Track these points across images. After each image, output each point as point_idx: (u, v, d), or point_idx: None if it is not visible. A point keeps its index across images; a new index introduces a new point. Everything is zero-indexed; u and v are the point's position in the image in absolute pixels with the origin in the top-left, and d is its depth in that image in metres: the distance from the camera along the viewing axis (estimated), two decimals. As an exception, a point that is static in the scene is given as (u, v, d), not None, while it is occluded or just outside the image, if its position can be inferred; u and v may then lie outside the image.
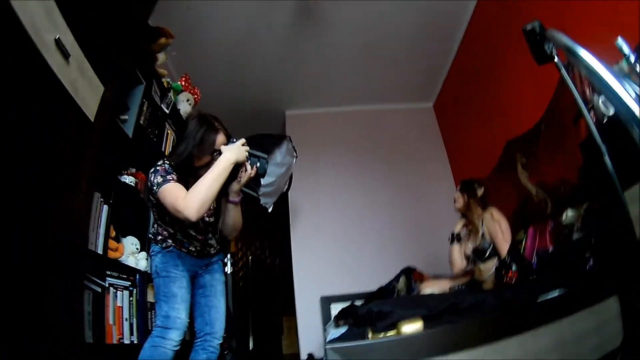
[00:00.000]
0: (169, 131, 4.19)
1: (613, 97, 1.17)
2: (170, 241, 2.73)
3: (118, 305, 2.93)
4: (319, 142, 6.42)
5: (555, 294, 2.33)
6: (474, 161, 5.56)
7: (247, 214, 3.12)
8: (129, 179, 3.38)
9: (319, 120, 6.73)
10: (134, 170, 3.52)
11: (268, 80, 5.98)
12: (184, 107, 4.48)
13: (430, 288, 3.72)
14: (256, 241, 9.02)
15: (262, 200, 3.70)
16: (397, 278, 4.60)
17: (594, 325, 2.26)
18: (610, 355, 2.19)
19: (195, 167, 2.60)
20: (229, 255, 6.63)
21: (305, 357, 4.95)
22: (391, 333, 2.04)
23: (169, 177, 2.45)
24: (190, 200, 2.31)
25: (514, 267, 3.13)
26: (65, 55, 2.21)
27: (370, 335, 2.02)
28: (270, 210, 4.18)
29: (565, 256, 2.88)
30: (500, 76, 4.68)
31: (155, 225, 2.79)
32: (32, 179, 1.99)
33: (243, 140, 2.60)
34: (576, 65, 1.36)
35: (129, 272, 3.15)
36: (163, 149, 3.97)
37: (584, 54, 1.32)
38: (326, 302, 5.26)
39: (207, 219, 2.77)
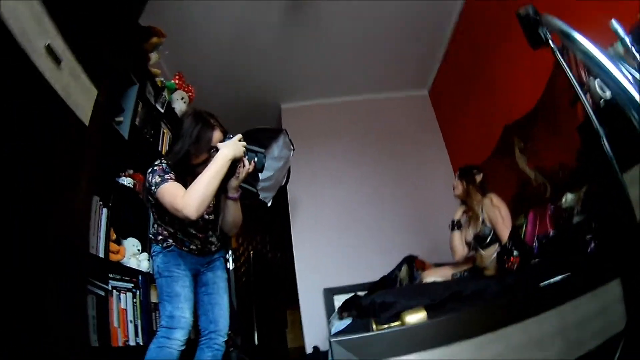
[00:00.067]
0: (164, 130, 4.17)
1: (610, 81, 1.16)
2: (170, 240, 2.73)
3: (122, 307, 2.94)
4: (315, 134, 6.42)
5: (557, 278, 2.33)
6: (471, 147, 5.55)
7: (247, 208, 3.12)
8: (127, 181, 3.38)
9: (315, 112, 6.73)
10: (131, 171, 3.52)
11: (262, 74, 5.97)
12: (179, 105, 4.47)
13: (432, 276, 3.73)
14: (257, 236, 9.02)
15: (261, 195, 3.70)
16: (399, 267, 4.61)
17: (596, 309, 2.26)
18: (614, 339, 2.19)
19: (193, 165, 2.58)
20: (230, 252, 6.61)
21: (311, 350, 4.96)
22: (395, 324, 2.03)
23: (166, 176, 2.43)
24: (189, 198, 2.30)
25: (515, 253, 3.14)
26: (57, 60, 2.20)
27: (374, 326, 2.02)
28: (269, 204, 4.18)
29: (566, 240, 2.88)
30: (495, 61, 4.67)
31: (155, 225, 2.79)
32: (28, 185, 1.98)
33: (240, 136, 2.58)
34: (572, 50, 1.36)
35: (131, 273, 3.15)
36: (160, 149, 3.97)
37: (580, 38, 1.31)
38: (329, 293, 5.27)
39: (206, 216, 2.77)
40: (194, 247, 2.79)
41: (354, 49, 5.69)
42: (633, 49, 1.70)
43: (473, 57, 5.19)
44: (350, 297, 4.07)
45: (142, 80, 3.71)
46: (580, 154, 3.15)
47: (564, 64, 1.61)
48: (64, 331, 2.15)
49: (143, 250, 3.39)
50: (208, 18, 4.74)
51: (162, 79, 4.23)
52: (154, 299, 3.25)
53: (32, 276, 1.93)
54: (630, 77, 1.13)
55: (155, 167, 2.50)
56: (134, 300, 3.09)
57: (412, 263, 4.56)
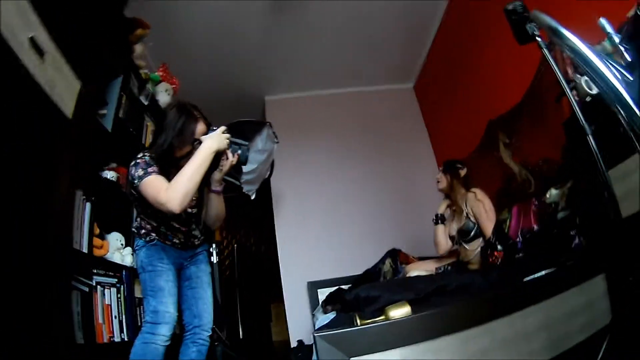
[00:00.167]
0: (148, 123, 4.14)
1: (598, 78, 1.16)
2: (154, 234, 2.71)
3: (106, 303, 2.92)
4: (299, 127, 6.40)
5: (542, 273, 2.34)
6: (456, 141, 5.56)
7: (230, 201, 3.11)
8: (110, 174, 3.34)
9: (299, 105, 6.71)
10: (114, 165, 3.47)
11: (246, 67, 5.93)
12: (163, 97, 4.42)
13: (416, 270, 3.74)
14: (241, 229, 8.99)
15: (245, 188, 3.69)
16: (382, 260, 4.62)
17: (581, 304, 2.27)
18: (600, 333, 2.20)
19: (176, 157, 2.57)
20: (214, 245, 6.60)
21: (295, 344, 4.95)
22: (380, 318, 2.02)
23: (149, 169, 2.41)
24: (172, 192, 2.29)
25: (499, 247, 3.15)
26: (40, 53, 2.17)
27: (358, 321, 2.00)
28: (253, 197, 4.16)
29: (551, 235, 2.90)
30: (481, 55, 4.68)
31: (138, 219, 2.77)
32: (9, 180, 1.95)
33: (223, 128, 2.57)
34: (560, 46, 1.36)
35: (115, 269, 3.13)
36: (143, 142, 3.94)
37: (568, 34, 1.31)
38: (313, 287, 5.26)
39: (190, 210, 2.76)
40: (177, 241, 2.78)
41: (339, 41, 5.67)
42: (621, 47, 1.71)
43: (459, 51, 5.19)
44: (334, 291, 4.07)
45: (126, 72, 3.67)
46: (566, 149, 3.17)
47: (551, 59, 1.61)
48: (49, 329, 2.12)
49: (127, 245, 3.35)
50: (192, 10, 4.70)
51: (146, 71, 4.19)
52: (138, 294, 3.23)
53: (14, 273, 1.90)
54: (618, 74, 1.13)
55: (138, 160, 2.48)
56: (118, 295, 3.07)
57: (396, 256, 4.57)
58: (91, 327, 2.67)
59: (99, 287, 2.87)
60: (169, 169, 2.52)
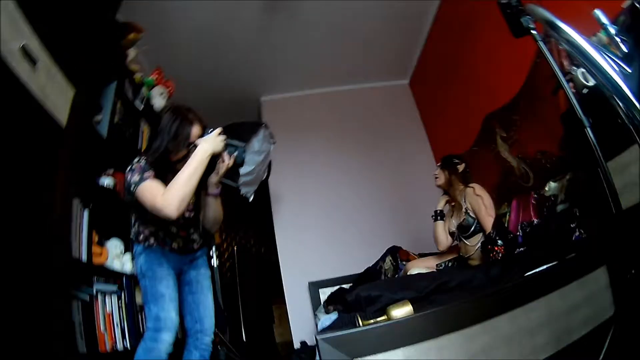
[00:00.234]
0: (144, 127, 4.12)
1: (596, 70, 1.15)
2: (152, 239, 2.69)
3: (108, 311, 2.89)
4: (296, 126, 6.36)
5: (543, 267, 2.33)
6: (453, 136, 5.54)
7: (229, 204, 3.09)
8: (107, 181, 3.31)
9: (295, 104, 6.68)
10: (111, 170, 3.44)
11: (241, 67, 5.90)
12: (158, 101, 4.40)
13: (417, 267, 3.73)
14: (240, 231, 8.97)
15: (243, 190, 3.67)
16: (382, 258, 4.60)
17: (583, 297, 2.26)
18: (603, 326, 2.20)
19: (172, 161, 2.56)
20: (214, 248, 6.57)
21: (299, 346, 4.94)
22: (381, 318, 2.02)
23: (145, 174, 2.40)
24: (169, 197, 2.29)
25: (499, 242, 3.14)
26: (32, 61, 2.15)
27: (360, 322, 2.00)
28: (251, 199, 4.15)
29: (551, 228, 2.89)
30: (476, 49, 4.67)
31: (137, 225, 2.75)
32: (5, 191, 1.93)
33: (219, 130, 2.56)
34: (557, 39, 1.34)
35: (115, 276, 3.11)
36: (139, 147, 3.92)
37: (565, 28, 1.29)
38: (314, 287, 5.25)
39: (187, 214, 2.74)
40: (176, 246, 2.76)
41: (334, 39, 5.65)
42: (617, 38, 1.69)
43: (453, 46, 5.17)
44: (335, 291, 4.08)
45: (120, 77, 3.65)
46: (564, 142, 3.15)
47: (547, 52, 1.60)
48: (51, 339, 2.11)
49: (126, 251, 3.33)
50: (185, 13, 4.68)
51: (140, 75, 4.17)
52: (139, 300, 3.20)
53: (13, 285, 1.89)
54: (615, 66, 1.12)
55: (133, 166, 2.47)
56: (119, 303, 3.04)
57: (396, 254, 4.56)
58: (93, 336, 2.64)
59: (99, 295, 2.84)
60: (166, 173, 2.51)
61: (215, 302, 2.97)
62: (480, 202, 3.39)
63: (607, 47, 1.96)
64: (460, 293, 2.35)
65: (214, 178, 2.66)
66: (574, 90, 2.42)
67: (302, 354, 4.68)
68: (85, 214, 2.86)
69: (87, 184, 3.07)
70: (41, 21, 2.25)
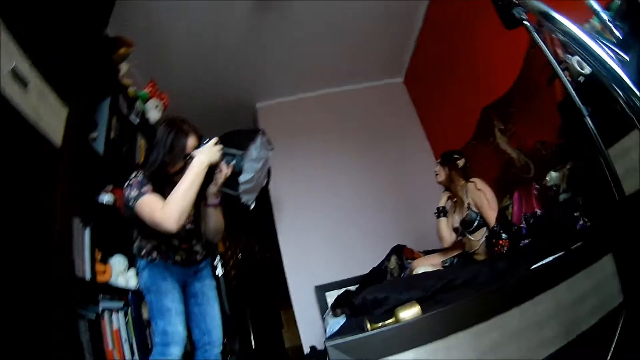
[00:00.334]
0: (141, 141, 4.10)
1: (593, 59, 1.14)
2: (155, 254, 2.67)
3: (115, 328, 2.88)
4: (293, 130, 6.34)
5: (549, 259, 2.31)
6: (451, 132, 5.53)
7: (231, 212, 3.08)
8: (107, 198, 3.29)
9: (291, 108, 6.66)
10: (110, 187, 3.42)
11: (234, 75, 5.89)
12: (154, 114, 4.39)
13: (422, 265, 3.70)
14: (244, 238, 8.97)
15: (243, 198, 3.65)
16: (387, 258, 4.58)
17: (591, 286, 2.26)
18: (612, 314, 2.19)
19: (170, 174, 2.54)
20: (218, 257, 6.57)
21: (308, 351, 4.92)
22: (389, 321, 2.00)
23: (144, 189, 2.39)
24: (168, 211, 2.27)
25: (503, 235, 3.12)
26: (23, 83, 2.13)
27: (368, 325, 1.98)
28: (252, 207, 4.13)
29: (554, 218, 2.87)
30: (468, 43, 4.65)
31: (138, 239, 2.73)
32: (3, 216, 1.91)
33: (215, 140, 2.55)
34: (552, 30, 1.33)
35: (120, 292, 3.10)
36: (137, 161, 3.90)
37: (560, 18, 1.28)
38: (321, 291, 5.23)
39: (188, 226, 2.72)
40: (179, 258, 2.74)
41: (326, 41, 5.64)
42: (610, 24, 1.68)
43: (446, 41, 5.16)
44: (342, 293, 4.05)
45: (113, 92, 3.63)
46: (562, 131, 3.14)
47: (541, 42, 1.58)
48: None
49: (130, 266, 3.31)
50: (174, 23, 4.66)
51: (134, 89, 4.15)
52: (146, 315, 3.19)
53: (19, 308, 1.87)
54: (611, 53, 1.11)
55: (131, 181, 2.46)
56: (126, 319, 3.03)
57: (401, 253, 4.53)
58: (102, 353, 2.64)
59: (106, 312, 2.83)
60: (164, 186, 2.49)
61: (223, 310, 2.96)
62: (482, 197, 3.38)
63: (601, 33, 1.95)
64: (467, 290, 2.33)
65: (212, 188, 2.64)
66: (569, 79, 2.41)
67: (312, 358, 4.67)
68: (87, 232, 2.85)
69: (87, 202, 3.05)
70: (30, 42, 2.23)
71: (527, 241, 2.98)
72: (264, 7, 4.74)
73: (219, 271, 6.40)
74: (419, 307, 1.99)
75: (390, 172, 6.12)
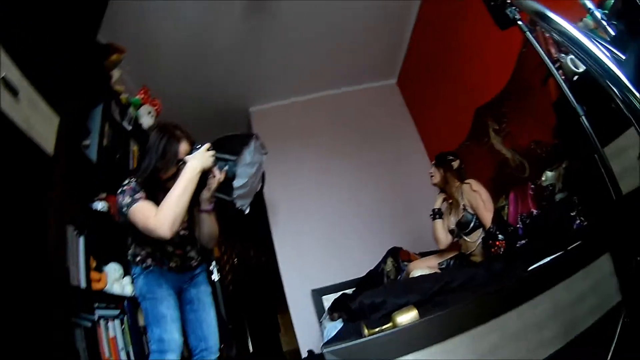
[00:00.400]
0: (134, 148, 4.09)
1: (590, 60, 1.13)
2: (149, 260, 2.66)
3: (111, 336, 2.87)
4: (287, 134, 6.33)
5: (546, 260, 2.31)
6: (445, 133, 5.53)
7: (226, 217, 3.06)
8: (100, 205, 3.27)
9: (285, 112, 6.65)
10: (104, 194, 3.41)
11: (227, 79, 5.86)
12: (146, 120, 4.37)
13: (419, 267, 3.71)
14: (239, 243, 8.95)
15: (238, 204, 3.64)
16: (384, 260, 4.57)
17: (589, 286, 2.26)
18: (611, 313, 2.18)
19: (163, 180, 2.52)
20: (213, 262, 6.55)
21: (306, 354, 4.90)
22: (387, 326, 1.99)
23: (136, 196, 2.38)
24: (161, 217, 2.26)
25: (500, 236, 3.12)
26: (14, 92, 2.11)
27: (365, 330, 1.97)
28: (247, 212, 4.12)
29: (551, 218, 2.87)
30: (461, 44, 4.65)
31: (133, 246, 2.73)
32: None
33: (207, 146, 2.54)
34: (547, 30, 1.32)
35: (116, 300, 3.08)
36: (131, 168, 3.88)
37: (556, 18, 1.27)
38: (317, 295, 5.22)
39: (182, 232, 2.71)
40: (174, 265, 2.73)
41: (319, 44, 5.63)
42: (604, 22, 1.68)
43: (438, 42, 5.16)
44: (339, 297, 4.04)
45: (106, 99, 3.61)
46: (557, 130, 3.14)
47: (534, 41, 1.57)
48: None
49: (126, 274, 3.29)
50: (166, 28, 4.65)
51: (126, 95, 4.14)
52: (142, 322, 3.17)
53: (13, 318, 1.85)
54: (607, 52, 1.10)
55: (124, 187, 2.44)
56: (122, 326, 3.02)
57: (397, 255, 4.52)
58: (99, 362, 2.63)
59: (101, 320, 2.81)
60: (157, 192, 2.47)
61: (220, 316, 2.94)
62: (477, 198, 3.37)
63: (594, 31, 1.95)
64: (464, 293, 2.32)
65: (205, 194, 2.62)
66: (563, 77, 2.41)
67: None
68: (81, 240, 2.83)
69: (81, 210, 3.03)
70: (19, 50, 2.21)
71: (523, 242, 2.98)
72: (255, 12, 4.73)
73: (215, 276, 6.38)
74: (416, 311, 1.98)
75: (385, 174, 6.11)
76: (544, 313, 2.09)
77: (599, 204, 2.38)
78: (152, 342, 2.55)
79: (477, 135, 4.63)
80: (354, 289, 4.54)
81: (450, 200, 3.69)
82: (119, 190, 2.45)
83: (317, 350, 4.81)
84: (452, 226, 3.64)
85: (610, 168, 1.71)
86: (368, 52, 6.05)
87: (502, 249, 3.07)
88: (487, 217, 3.28)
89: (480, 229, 3.37)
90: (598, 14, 1.79)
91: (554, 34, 1.28)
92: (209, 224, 2.75)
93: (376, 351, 1.83)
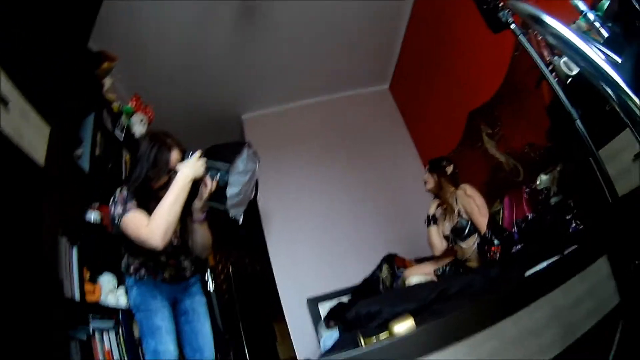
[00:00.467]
0: (126, 157, 4.06)
1: (585, 62, 1.12)
2: (143, 271, 2.65)
3: (106, 348, 2.85)
4: (280, 141, 6.31)
5: (543, 265, 2.29)
6: (438, 138, 5.53)
7: (219, 226, 3.04)
8: (93, 216, 3.25)
9: (277, 119, 6.63)
10: (97, 204, 3.38)
11: (219, 87, 5.86)
12: (138, 128, 4.35)
13: (415, 276, 3.68)
14: (234, 251, 8.91)
15: (231, 212, 3.63)
16: (379, 267, 4.55)
17: (586, 289, 2.24)
18: (609, 316, 2.17)
19: (154, 189, 2.51)
20: (208, 272, 6.51)
21: (303, 364, 4.88)
22: (383, 334, 1.97)
23: (128, 205, 2.37)
24: (153, 227, 2.25)
25: (495, 242, 3.11)
26: (4, 102, 2.09)
27: (362, 341, 1.95)
28: (241, 220, 4.10)
29: (546, 221, 2.86)
30: (453, 48, 4.66)
31: (126, 256, 2.71)
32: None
33: (198, 154, 2.52)
34: (542, 33, 1.31)
35: (110, 312, 3.05)
36: (123, 177, 3.85)
37: (551, 21, 1.26)
38: (313, 303, 5.19)
39: (175, 242, 2.69)
40: (168, 275, 2.72)
41: (311, 51, 5.63)
42: (597, 24, 1.67)
43: (430, 46, 5.17)
44: (335, 306, 4.02)
45: (98, 108, 3.60)
46: (551, 133, 3.13)
47: (527, 44, 1.56)
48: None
49: (120, 284, 3.26)
50: (158, 35, 4.63)
51: (118, 103, 4.11)
52: (137, 333, 3.14)
53: (7, 332, 1.83)
54: (602, 55, 1.08)
55: (116, 197, 2.44)
56: (117, 338, 3.00)
57: (393, 261, 4.51)
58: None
59: (96, 332, 2.80)
60: (148, 201, 2.47)
61: (216, 325, 2.92)
62: (472, 203, 3.36)
63: (587, 33, 1.94)
64: (461, 300, 2.31)
65: (197, 203, 2.60)
66: (556, 79, 2.40)
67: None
68: (74, 251, 2.81)
69: (74, 221, 3.01)
70: (9, 60, 2.20)
71: (519, 246, 2.97)
72: (247, 18, 4.72)
73: (210, 286, 6.35)
74: (412, 320, 1.96)
75: (379, 180, 6.09)
76: (542, 318, 2.07)
77: (594, 207, 2.37)
78: (147, 353, 2.54)
79: (471, 140, 4.63)
80: (349, 297, 4.51)
81: (445, 206, 3.67)
82: (111, 200, 2.45)
83: (314, 358, 4.79)
84: (447, 232, 3.62)
85: (605, 171, 1.70)
86: (360, 57, 6.05)
87: (498, 254, 3.05)
88: (482, 222, 3.26)
89: (476, 235, 3.35)
90: (591, 16, 1.78)
91: (549, 37, 1.27)
92: (201, 234, 2.74)
93: (374, 361, 1.82)
